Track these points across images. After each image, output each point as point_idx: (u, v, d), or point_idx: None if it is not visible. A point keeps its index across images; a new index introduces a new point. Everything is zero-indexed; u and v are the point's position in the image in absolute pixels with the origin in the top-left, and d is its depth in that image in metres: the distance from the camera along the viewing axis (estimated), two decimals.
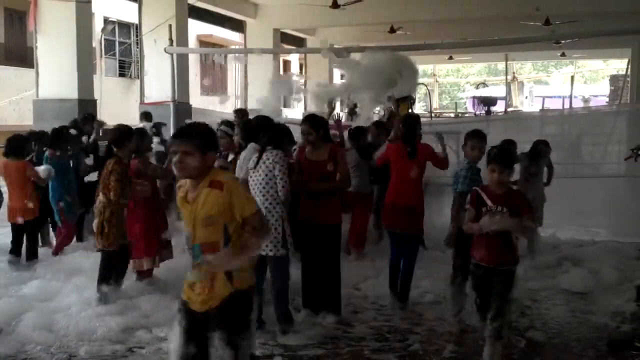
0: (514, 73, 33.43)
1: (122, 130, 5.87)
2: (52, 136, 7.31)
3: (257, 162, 4.95)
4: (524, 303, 5.91)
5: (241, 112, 8.74)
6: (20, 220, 6.79)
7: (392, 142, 6.40)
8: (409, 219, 5.73)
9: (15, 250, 6.86)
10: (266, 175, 4.88)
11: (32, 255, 6.89)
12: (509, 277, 4.19)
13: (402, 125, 5.99)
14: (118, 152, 5.70)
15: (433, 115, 20.56)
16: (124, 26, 20.05)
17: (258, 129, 5.28)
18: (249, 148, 5.28)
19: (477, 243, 4.25)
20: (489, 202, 4.10)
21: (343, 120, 8.19)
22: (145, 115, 10.16)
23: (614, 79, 26.21)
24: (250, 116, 7.00)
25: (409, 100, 11.59)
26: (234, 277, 3.05)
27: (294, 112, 22.82)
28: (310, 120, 5.44)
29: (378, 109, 11.90)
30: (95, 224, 5.67)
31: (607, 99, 24.99)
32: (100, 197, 5.63)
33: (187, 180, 3.13)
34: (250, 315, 3.17)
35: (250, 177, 4.98)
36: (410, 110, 12.78)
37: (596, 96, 32.16)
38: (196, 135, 3.04)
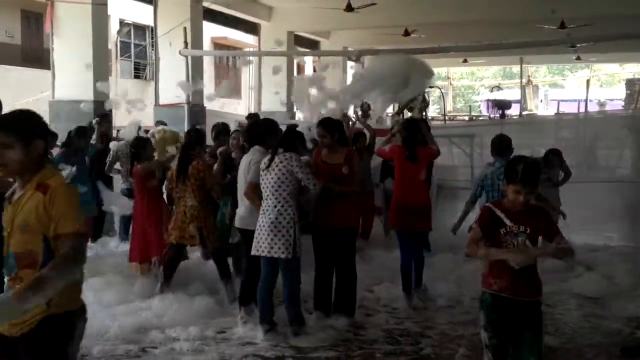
0: (529, 76, 33.27)
1: (199, 133, 6.26)
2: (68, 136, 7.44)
3: (269, 164, 4.97)
4: None
5: (253, 117, 8.78)
6: None
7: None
8: (417, 218, 5.93)
9: None
10: (279, 178, 4.90)
11: None
12: (539, 311, 3.42)
13: (403, 129, 6.12)
14: (197, 154, 5.95)
15: (447, 118, 20.52)
16: (140, 28, 20.20)
17: (264, 132, 5.32)
18: (254, 151, 5.30)
19: (495, 269, 3.37)
20: (507, 222, 3.31)
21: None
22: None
23: (630, 83, 26.01)
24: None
25: (423, 103, 11.61)
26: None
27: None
28: (325, 123, 5.48)
29: (390, 110, 11.88)
30: (191, 230, 5.78)
31: (623, 103, 24.78)
32: (190, 202, 5.78)
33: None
34: (69, 345, 2.60)
35: (262, 178, 5.01)
36: (424, 113, 12.81)
37: (612, 100, 31.92)
38: (15, 123, 2.56)
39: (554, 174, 7.54)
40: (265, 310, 5.03)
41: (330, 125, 5.44)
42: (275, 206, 4.87)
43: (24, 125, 2.57)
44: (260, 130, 5.41)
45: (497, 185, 5.71)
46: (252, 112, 10.36)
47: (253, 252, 4.99)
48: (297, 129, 5.86)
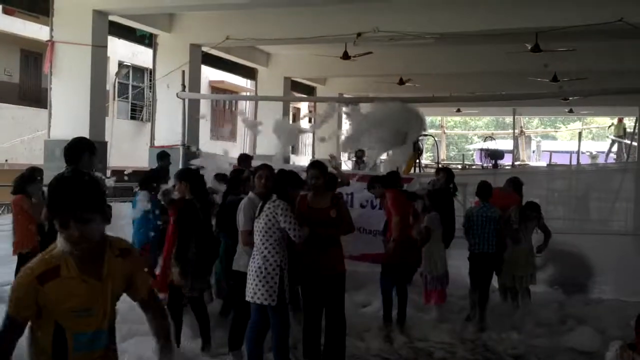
0: (521, 127, 33.63)
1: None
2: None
3: (260, 211, 4.99)
4: None
5: (244, 158, 8.83)
6: (20, 251, 6.82)
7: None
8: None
9: None
10: (266, 224, 4.90)
11: None
12: None
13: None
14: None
15: (440, 166, 20.60)
16: (138, 70, 20.41)
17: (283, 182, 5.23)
18: (246, 198, 5.34)
19: None
20: None
21: (348, 166, 8.37)
22: (161, 156, 10.00)
23: (628, 136, 26.29)
24: (258, 161, 7.07)
25: (417, 150, 11.70)
26: None
27: (302, 159, 22.99)
28: (318, 165, 5.53)
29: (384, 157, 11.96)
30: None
31: (615, 156, 25.04)
32: None
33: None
34: None
35: (255, 224, 5.02)
36: (417, 161, 12.87)
37: (603, 153, 32.22)
38: (96, 196, 2.46)
39: (530, 227, 7.28)
40: (253, 356, 4.95)
41: (323, 168, 5.49)
42: (262, 252, 4.88)
43: (101, 196, 2.54)
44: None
45: (481, 222, 6.87)
46: (244, 153, 10.33)
47: (246, 298, 4.97)
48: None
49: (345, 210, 5.48)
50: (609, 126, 26.11)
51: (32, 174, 6.92)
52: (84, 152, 5.41)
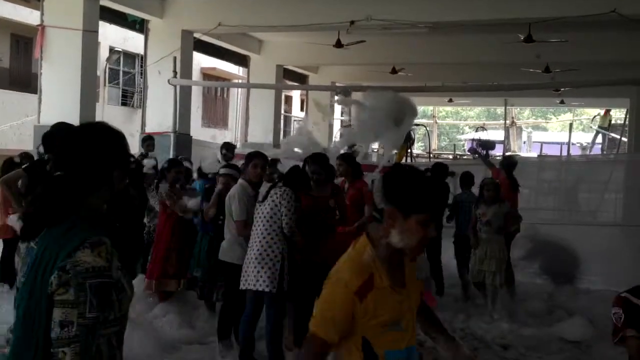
0: (512, 118, 33.70)
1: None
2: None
3: (265, 197, 4.96)
4: (519, 350, 5.87)
5: (227, 146, 8.91)
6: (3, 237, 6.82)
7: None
8: None
9: None
10: (271, 209, 4.89)
11: (3, 276, 6.65)
12: None
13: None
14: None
15: (432, 155, 20.68)
16: (129, 56, 20.26)
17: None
18: (237, 186, 5.38)
19: None
20: None
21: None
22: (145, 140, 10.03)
23: (612, 128, 26.38)
24: (251, 149, 7.11)
25: (408, 141, 11.71)
26: None
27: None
28: (319, 161, 5.55)
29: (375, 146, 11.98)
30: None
31: (606, 148, 25.14)
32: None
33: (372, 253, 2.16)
34: None
35: (257, 210, 5.00)
36: (409, 151, 12.89)
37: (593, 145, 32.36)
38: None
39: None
40: (248, 346, 4.95)
41: (323, 162, 5.54)
42: (265, 237, 4.84)
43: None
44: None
45: (467, 208, 7.32)
46: (228, 141, 10.31)
47: (241, 287, 4.91)
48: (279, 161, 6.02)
49: (343, 201, 5.50)
50: (594, 117, 26.19)
51: (21, 161, 6.87)
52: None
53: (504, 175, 7.79)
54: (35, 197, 1.94)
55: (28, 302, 1.82)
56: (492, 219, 6.82)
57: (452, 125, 46.84)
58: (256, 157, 5.40)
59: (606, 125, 24.53)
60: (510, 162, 8.04)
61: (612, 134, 23.38)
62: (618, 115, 28.64)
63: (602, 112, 25.70)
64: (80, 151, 1.94)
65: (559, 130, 42.22)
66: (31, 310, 1.80)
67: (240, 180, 5.38)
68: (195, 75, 18.88)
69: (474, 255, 6.92)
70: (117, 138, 2.02)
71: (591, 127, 24.21)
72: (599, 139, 25.27)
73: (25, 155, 7.05)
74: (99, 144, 1.97)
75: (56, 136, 5.42)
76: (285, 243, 4.89)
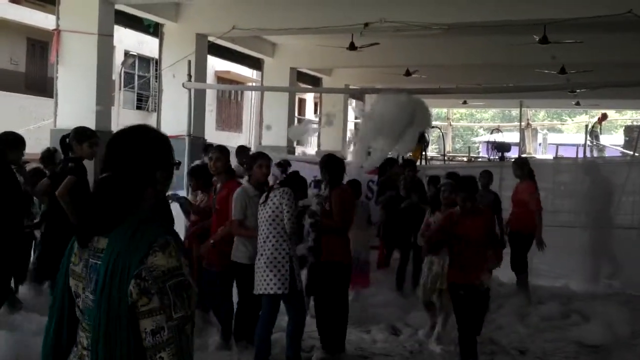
0: (527, 119, 33.48)
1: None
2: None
3: (266, 199, 4.97)
4: (536, 355, 5.81)
5: (242, 150, 8.79)
6: None
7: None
8: None
9: None
10: (273, 211, 4.91)
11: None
12: None
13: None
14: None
15: (446, 158, 20.58)
16: (144, 60, 20.38)
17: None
18: (241, 187, 5.40)
19: None
20: None
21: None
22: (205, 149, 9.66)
23: (628, 130, 26.13)
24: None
25: (423, 143, 11.66)
26: None
27: (309, 150, 22.95)
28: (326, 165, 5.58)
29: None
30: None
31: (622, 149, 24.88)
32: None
33: None
34: None
35: (259, 213, 5.03)
36: (423, 153, 12.84)
37: (609, 146, 32.05)
38: None
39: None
40: (264, 349, 4.96)
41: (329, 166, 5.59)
42: (270, 240, 4.87)
43: None
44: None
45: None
46: (242, 145, 10.23)
47: (255, 291, 4.96)
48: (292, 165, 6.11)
49: (337, 205, 5.43)
50: (593, 125, 25.88)
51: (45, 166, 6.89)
52: (72, 141, 5.43)
53: (527, 180, 7.58)
54: (87, 200, 1.97)
55: (108, 320, 1.81)
56: None
57: (466, 128, 46.64)
58: (261, 157, 5.47)
59: (597, 132, 24.43)
60: (524, 161, 7.92)
61: (600, 143, 23.27)
62: (635, 116, 28.38)
63: (599, 116, 25.64)
64: (127, 152, 1.98)
65: (574, 132, 41.86)
66: (112, 325, 1.80)
67: (243, 182, 5.47)
68: (210, 78, 18.95)
69: (428, 271, 6.03)
70: (161, 140, 2.08)
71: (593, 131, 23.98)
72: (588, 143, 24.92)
73: (45, 160, 7.04)
74: (144, 145, 2.01)
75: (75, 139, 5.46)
76: (291, 243, 4.94)
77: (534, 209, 7.28)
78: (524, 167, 7.66)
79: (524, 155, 19.01)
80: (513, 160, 8.22)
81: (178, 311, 1.81)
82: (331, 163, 5.56)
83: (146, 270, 1.79)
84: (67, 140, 5.54)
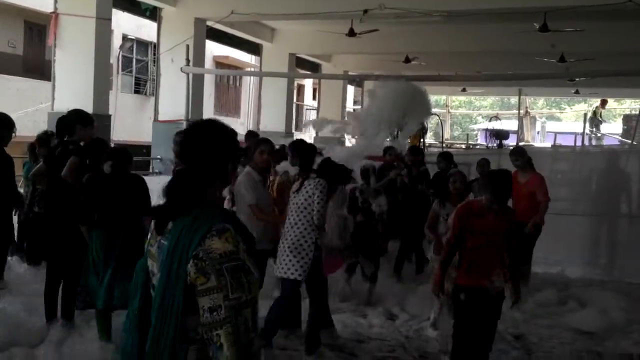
0: (526, 107, 33.42)
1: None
2: None
3: (300, 187, 5.07)
4: (532, 340, 5.85)
5: (252, 134, 8.71)
6: None
7: None
8: None
9: None
10: (305, 200, 5.00)
11: None
12: None
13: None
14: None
15: (444, 145, 20.57)
16: (142, 44, 20.27)
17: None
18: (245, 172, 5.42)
19: None
20: None
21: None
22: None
23: (627, 119, 26.12)
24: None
25: (422, 130, 11.64)
26: None
27: (306, 137, 22.92)
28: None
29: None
30: None
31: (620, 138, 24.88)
32: None
33: None
34: None
35: (291, 200, 5.11)
36: (422, 140, 12.84)
37: (608, 134, 32.02)
38: None
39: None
40: (270, 329, 4.94)
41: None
42: (298, 227, 4.95)
43: None
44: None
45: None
46: (251, 130, 10.29)
47: (276, 274, 5.08)
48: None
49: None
50: (594, 110, 25.92)
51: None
52: (75, 124, 5.42)
53: (530, 169, 7.34)
54: (163, 191, 2.13)
55: (165, 290, 1.99)
56: None
57: (465, 115, 46.58)
58: (263, 143, 5.49)
59: (599, 119, 24.45)
60: (524, 150, 7.82)
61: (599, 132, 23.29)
62: (633, 105, 28.38)
63: (599, 102, 25.63)
64: (202, 147, 2.12)
65: (573, 120, 41.84)
66: (168, 296, 1.98)
67: (246, 168, 5.46)
68: (208, 63, 18.86)
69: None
70: (231, 134, 2.21)
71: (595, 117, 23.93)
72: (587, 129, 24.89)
73: (41, 141, 7.03)
74: (218, 139, 2.16)
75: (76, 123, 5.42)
76: (317, 232, 4.98)
77: (542, 200, 7.03)
78: (525, 155, 7.42)
79: (522, 144, 19.01)
80: (511, 149, 8.08)
81: (235, 292, 1.93)
82: (301, 148, 5.60)
83: (203, 252, 1.94)
84: (65, 122, 5.49)
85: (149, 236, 2.18)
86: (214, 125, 2.20)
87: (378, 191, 6.93)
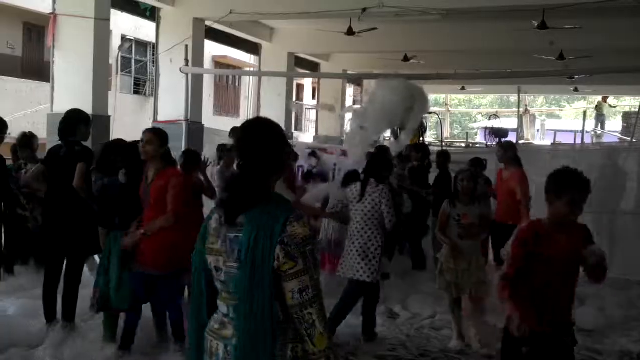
0: (526, 106, 33.40)
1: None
2: None
3: (363, 195, 5.42)
4: None
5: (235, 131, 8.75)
6: None
7: None
8: None
9: None
10: (372, 207, 5.38)
11: None
12: None
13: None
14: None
15: (444, 144, 20.57)
16: (141, 45, 20.28)
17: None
18: None
19: None
20: None
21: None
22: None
23: (626, 116, 26.13)
24: None
25: (421, 129, 11.64)
26: None
27: (305, 136, 22.92)
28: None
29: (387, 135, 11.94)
30: None
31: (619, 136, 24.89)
32: None
33: None
34: None
35: (353, 207, 5.49)
36: (421, 139, 12.85)
37: (608, 132, 32.02)
38: None
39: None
40: (333, 327, 5.15)
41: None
42: (366, 232, 5.36)
43: None
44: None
45: None
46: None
47: (341, 274, 5.49)
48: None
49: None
50: (596, 106, 26.08)
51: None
52: (79, 125, 5.41)
53: (514, 165, 7.20)
54: (227, 185, 2.31)
55: (251, 281, 2.11)
56: (476, 222, 5.54)
57: (464, 114, 46.59)
58: None
59: (603, 112, 24.67)
60: (510, 145, 7.78)
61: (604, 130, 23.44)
62: (633, 103, 28.36)
63: (601, 98, 25.80)
64: (263, 142, 2.27)
65: (572, 118, 41.84)
66: (255, 286, 2.10)
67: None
68: (207, 63, 18.86)
69: (455, 267, 5.44)
70: (283, 132, 2.38)
71: (591, 117, 24.07)
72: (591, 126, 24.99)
73: (21, 144, 7.00)
74: (274, 135, 2.31)
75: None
76: (383, 236, 5.40)
77: (521, 200, 6.77)
78: (508, 151, 7.20)
79: (521, 142, 19.01)
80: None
81: (316, 273, 2.16)
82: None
83: (288, 238, 2.11)
84: (68, 122, 5.46)
85: (202, 235, 2.31)
86: (268, 122, 2.36)
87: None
